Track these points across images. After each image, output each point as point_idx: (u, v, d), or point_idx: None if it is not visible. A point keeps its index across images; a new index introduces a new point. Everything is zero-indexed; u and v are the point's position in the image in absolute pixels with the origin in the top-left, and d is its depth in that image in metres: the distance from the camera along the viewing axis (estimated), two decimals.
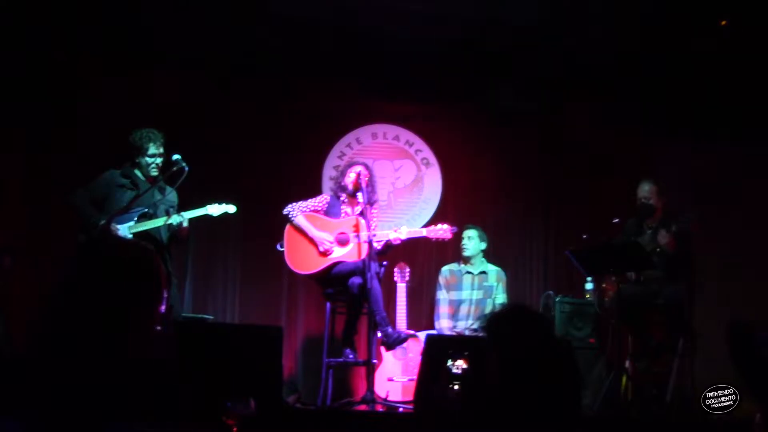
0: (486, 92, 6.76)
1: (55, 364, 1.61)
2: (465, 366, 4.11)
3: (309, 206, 5.36)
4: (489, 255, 6.31)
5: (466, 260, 6.18)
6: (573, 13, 5.76)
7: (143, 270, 1.76)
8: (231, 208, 4.97)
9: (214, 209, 4.91)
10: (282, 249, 5.30)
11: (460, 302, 6.07)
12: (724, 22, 5.58)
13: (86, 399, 1.58)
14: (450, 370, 4.16)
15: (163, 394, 1.67)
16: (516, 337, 2.35)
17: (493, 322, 2.46)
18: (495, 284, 6.12)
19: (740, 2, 5.56)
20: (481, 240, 6.19)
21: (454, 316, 6.06)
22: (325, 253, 5.21)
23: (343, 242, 5.24)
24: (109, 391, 1.60)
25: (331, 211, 5.35)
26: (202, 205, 4.93)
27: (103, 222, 4.67)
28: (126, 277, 1.73)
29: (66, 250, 4.77)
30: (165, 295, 1.83)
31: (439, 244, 5.98)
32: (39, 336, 1.68)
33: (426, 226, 5.91)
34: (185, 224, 4.78)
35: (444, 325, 6.01)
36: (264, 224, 6.15)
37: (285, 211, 5.32)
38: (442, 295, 6.12)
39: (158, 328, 1.79)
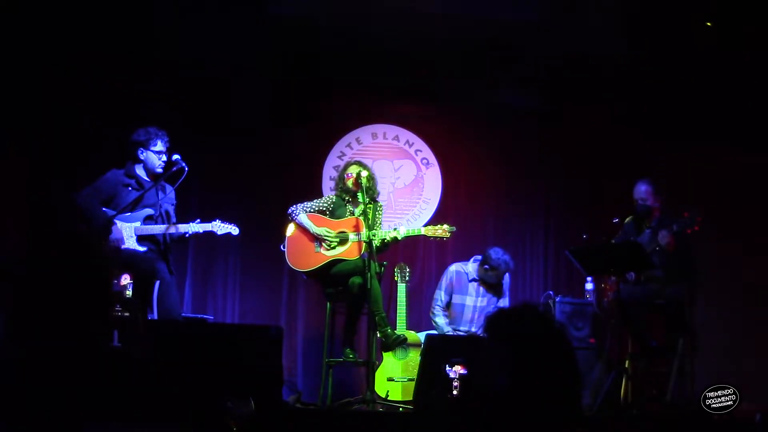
0: (486, 92, 6.77)
1: (27, 363, 1.59)
2: (462, 371, 4.12)
3: (314, 207, 5.35)
4: None
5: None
6: (573, 13, 5.76)
7: (78, 257, 1.73)
8: (234, 230, 4.99)
9: (219, 228, 4.93)
10: (284, 250, 5.29)
11: (463, 306, 5.91)
12: (709, 24, 5.59)
13: (67, 397, 1.56)
14: (447, 372, 4.17)
15: (162, 395, 1.66)
16: (518, 336, 2.35)
17: (496, 321, 2.46)
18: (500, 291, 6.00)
19: (737, 3, 5.56)
20: None
21: (454, 320, 5.91)
22: (328, 247, 5.18)
23: (342, 241, 5.23)
24: (90, 388, 1.57)
25: (336, 212, 5.33)
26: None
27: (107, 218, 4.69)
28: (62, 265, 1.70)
29: None
30: (116, 278, 1.79)
31: (439, 243, 5.98)
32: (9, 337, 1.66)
33: (426, 226, 5.87)
34: (188, 236, 4.89)
35: (440, 322, 5.86)
36: (264, 224, 6.14)
37: (288, 211, 5.31)
38: (440, 296, 5.93)
39: (126, 314, 1.77)
